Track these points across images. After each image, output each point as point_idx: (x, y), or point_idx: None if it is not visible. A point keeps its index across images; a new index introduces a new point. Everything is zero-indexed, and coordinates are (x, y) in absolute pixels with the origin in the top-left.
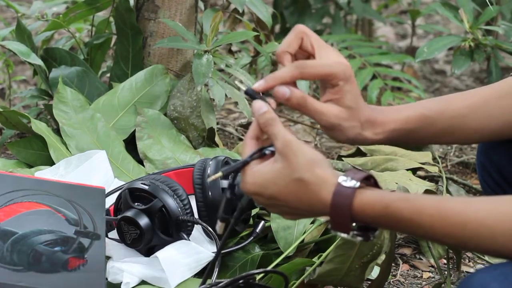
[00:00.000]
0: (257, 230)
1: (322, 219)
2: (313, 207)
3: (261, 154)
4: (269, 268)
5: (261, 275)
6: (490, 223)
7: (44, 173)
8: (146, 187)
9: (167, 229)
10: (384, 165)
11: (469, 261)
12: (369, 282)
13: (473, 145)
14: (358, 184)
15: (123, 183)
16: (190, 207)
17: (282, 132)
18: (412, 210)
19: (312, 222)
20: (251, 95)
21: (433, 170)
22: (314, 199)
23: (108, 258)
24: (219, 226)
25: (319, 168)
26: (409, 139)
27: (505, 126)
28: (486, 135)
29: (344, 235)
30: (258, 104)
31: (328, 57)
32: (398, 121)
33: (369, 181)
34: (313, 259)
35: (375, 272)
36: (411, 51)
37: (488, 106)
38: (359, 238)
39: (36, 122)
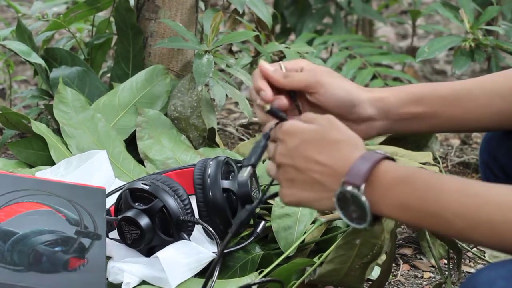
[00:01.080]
0: (258, 230)
1: (323, 219)
2: (335, 162)
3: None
4: (269, 268)
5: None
6: (505, 209)
7: (44, 173)
8: (147, 187)
9: (167, 229)
10: None
11: (469, 261)
12: (370, 282)
13: (474, 145)
14: (388, 153)
15: (124, 183)
16: (191, 207)
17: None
18: (434, 181)
19: (313, 222)
20: (275, 114)
21: (434, 170)
22: (343, 155)
23: (108, 258)
24: (248, 170)
25: (360, 140)
26: (417, 112)
27: (510, 107)
28: (492, 115)
29: (350, 188)
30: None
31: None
32: (403, 89)
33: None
34: (314, 259)
35: (375, 272)
36: (412, 51)
37: (495, 84)
38: (363, 198)
39: (36, 123)
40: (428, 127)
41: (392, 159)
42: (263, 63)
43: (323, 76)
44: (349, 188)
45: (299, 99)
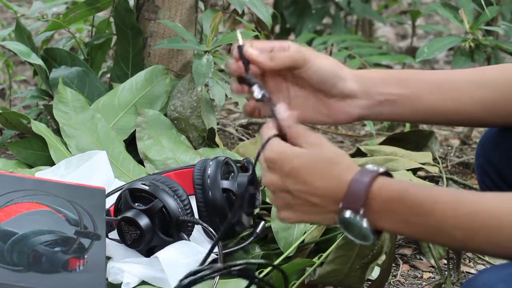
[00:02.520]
0: (258, 231)
1: None
2: (331, 185)
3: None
4: (269, 268)
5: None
6: (499, 214)
7: (44, 173)
8: (146, 187)
9: (167, 229)
10: (384, 165)
11: (469, 262)
12: (370, 283)
13: (474, 146)
14: (381, 169)
15: (124, 183)
16: (191, 207)
17: (310, 131)
18: (428, 195)
19: None
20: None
21: (434, 170)
22: (337, 176)
23: (108, 258)
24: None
25: (349, 159)
26: (398, 93)
27: (501, 97)
28: (475, 104)
29: (352, 214)
30: (281, 107)
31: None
32: (388, 71)
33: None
34: (314, 260)
35: (375, 273)
36: (411, 51)
37: (484, 75)
38: (365, 224)
39: (36, 123)
40: (411, 114)
41: (386, 174)
42: (247, 48)
43: (309, 52)
44: (348, 213)
45: (281, 77)
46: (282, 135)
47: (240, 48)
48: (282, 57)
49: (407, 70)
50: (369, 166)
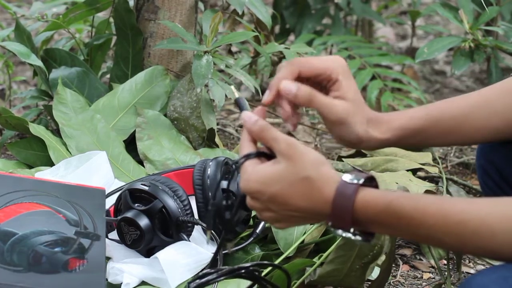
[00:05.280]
0: (257, 231)
1: None
2: (314, 205)
3: (260, 154)
4: (269, 268)
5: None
6: (491, 221)
7: (44, 173)
8: (146, 188)
9: (167, 230)
10: (384, 165)
11: (469, 262)
12: (369, 283)
13: (473, 146)
14: (362, 180)
15: (123, 183)
16: (190, 207)
17: (282, 135)
18: (415, 206)
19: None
20: (241, 106)
21: (433, 170)
22: (317, 195)
23: (108, 258)
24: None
25: (324, 167)
26: (415, 139)
27: (508, 123)
28: (490, 134)
29: (343, 232)
30: (247, 114)
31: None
32: (402, 119)
33: (372, 183)
34: (314, 260)
35: (375, 273)
36: (411, 51)
37: (490, 103)
38: (358, 238)
39: (34, 126)
40: (431, 144)
41: (369, 180)
42: (286, 85)
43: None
44: (339, 231)
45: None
46: (258, 150)
47: (237, 100)
48: (317, 104)
49: (423, 114)
50: (347, 178)
